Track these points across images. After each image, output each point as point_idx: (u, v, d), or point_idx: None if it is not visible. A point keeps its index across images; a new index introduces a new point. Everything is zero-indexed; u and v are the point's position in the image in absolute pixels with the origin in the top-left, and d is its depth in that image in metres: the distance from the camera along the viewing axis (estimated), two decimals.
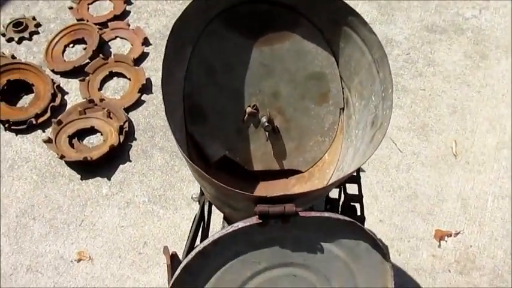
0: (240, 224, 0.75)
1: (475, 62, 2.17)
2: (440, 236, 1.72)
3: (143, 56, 2.20)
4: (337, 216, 0.78)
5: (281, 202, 0.75)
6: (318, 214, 0.76)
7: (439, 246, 1.71)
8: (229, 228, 0.75)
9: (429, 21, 2.31)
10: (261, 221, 0.74)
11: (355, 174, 1.19)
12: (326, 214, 0.77)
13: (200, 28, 0.94)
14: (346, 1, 0.86)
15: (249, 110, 1.03)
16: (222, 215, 1.21)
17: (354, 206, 1.13)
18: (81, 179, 1.87)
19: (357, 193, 1.16)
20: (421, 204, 1.81)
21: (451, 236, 1.74)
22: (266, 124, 1.02)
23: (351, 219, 0.78)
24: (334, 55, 0.99)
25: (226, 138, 1.05)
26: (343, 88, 1.02)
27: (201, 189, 1.37)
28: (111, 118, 1.96)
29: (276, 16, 0.95)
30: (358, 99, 0.97)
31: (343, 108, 1.04)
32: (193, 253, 0.76)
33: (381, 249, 0.83)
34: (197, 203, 1.44)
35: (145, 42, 2.23)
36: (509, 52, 2.19)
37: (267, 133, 1.05)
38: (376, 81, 0.87)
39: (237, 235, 0.76)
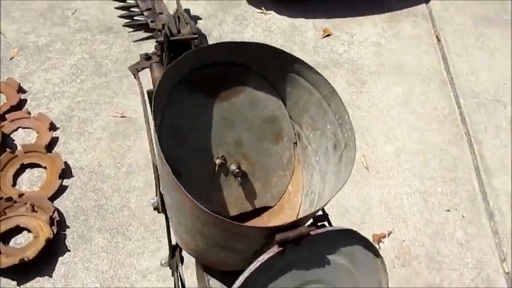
0: (265, 256, 0.82)
1: (357, 88, 2.53)
2: (378, 239, 1.94)
3: (54, 141, 2.13)
4: (336, 228, 0.90)
5: (290, 228, 0.85)
6: (322, 230, 0.88)
7: (379, 248, 1.92)
8: (256, 263, 0.82)
9: (311, 61, 2.65)
10: (281, 248, 0.83)
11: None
12: (328, 228, 0.89)
13: (167, 95, 1.02)
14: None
15: (218, 161, 1.12)
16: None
17: (324, 225, 1.26)
18: (19, 285, 1.71)
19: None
20: (353, 216, 2.03)
21: (385, 236, 1.97)
22: (237, 171, 1.12)
23: (347, 228, 0.91)
24: (282, 99, 1.14)
25: (201, 193, 1.12)
26: (293, 125, 1.17)
27: (170, 252, 1.39)
28: (36, 212, 1.84)
29: (230, 74, 1.08)
30: (311, 131, 1.12)
31: (296, 142, 1.19)
32: None
33: (372, 247, 0.96)
34: (167, 267, 1.45)
35: (52, 127, 2.17)
36: (381, 75, 2.61)
37: (238, 178, 1.14)
38: (329, 113, 1.04)
39: (262, 268, 0.83)
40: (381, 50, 2.77)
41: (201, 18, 2.81)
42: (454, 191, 2.14)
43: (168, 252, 1.81)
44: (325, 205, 0.89)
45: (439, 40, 2.86)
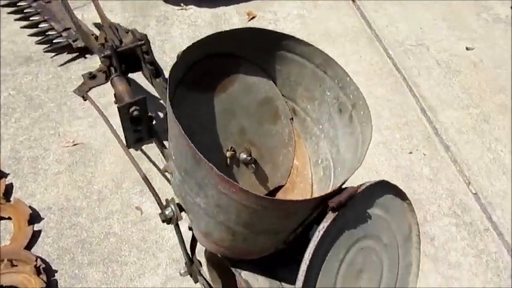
0: (324, 225, 0.85)
1: None
2: None
3: (9, 189, 1.95)
4: (372, 181, 0.95)
5: (338, 193, 0.88)
6: (364, 186, 0.92)
7: None
8: (318, 234, 0.84)
9: None
10: (336, 213, 0.86)
11: None
12: (367, 184, 0.93)
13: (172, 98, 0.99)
14: None
15: (228, 153, 1.11)
16: None
17: None
18: None
19: None
20: None
21: None
22: (248, 158, 1.12)
23: (380, 179, 0.96)
24: (272, 79, 1.15)
25: None
26: (286, 102, 1.19)
27: (188, 260, 1.36)
28: (16, 266, 1.70)
29: (221, 66, 1.08)
30: (308, 103, 1.15)
31: (292, 118, 1.22)
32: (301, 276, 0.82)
33: (401, 192, 1.03)
34: (188, 276, 1.42)
35: (2, 174, 1.99)
36: (313, 44, 2.70)
37: (252, 165, 1.15)
38: (326, 80, 1.07)
39: (322, 239, 0.86)
40: (306, 21, 2.86)
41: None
42: (409, 134, 2.31)
43: (163, 266, 1.78)
44: (361, 163, 0.93)
45: (354, 1, 3.02)
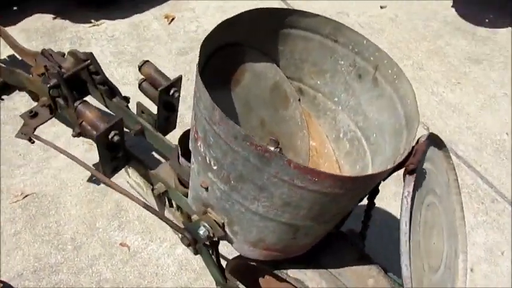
0: (409, 190, 0.81)
1: None
2: None
3: None
4: (425, 135, 0.92)
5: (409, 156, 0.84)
6: (424, 142, 0.89)
7: None
8: (406, 201, 0.80)
9: (175, 48, 2.54)
10: (415, 174, 0.82)
11: None
12: (423, 139, 0.91)
13: None
14: None
15: None
16: None
17: None
18: None
19: None
20: None
21: None
22: (278, 150, 1.04)
23: (430, 132, 0.94)
24: (275, 62, 1.08)
25: None
26: (291, 83, 1.13)
27: (222, 278, 1.25)
28: None
29: (228, 58, 0.98)
30: (317, 78, 1.10)
31: (299, 99, 1.15)
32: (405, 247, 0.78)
33: (440, 142, 1.02)
34: None
35: None
36: None
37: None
38: (337, 49, 1.03)
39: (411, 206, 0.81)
40: (227, 12, 2.79)
41: None
42: None
43: None
44: (419, 117, 0.90)
45: None
